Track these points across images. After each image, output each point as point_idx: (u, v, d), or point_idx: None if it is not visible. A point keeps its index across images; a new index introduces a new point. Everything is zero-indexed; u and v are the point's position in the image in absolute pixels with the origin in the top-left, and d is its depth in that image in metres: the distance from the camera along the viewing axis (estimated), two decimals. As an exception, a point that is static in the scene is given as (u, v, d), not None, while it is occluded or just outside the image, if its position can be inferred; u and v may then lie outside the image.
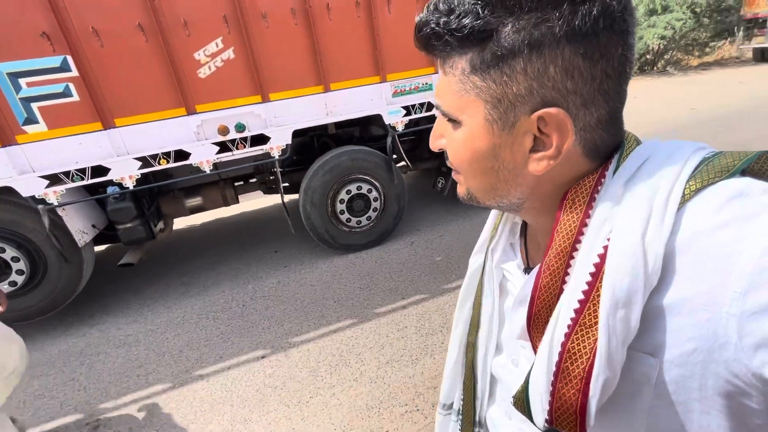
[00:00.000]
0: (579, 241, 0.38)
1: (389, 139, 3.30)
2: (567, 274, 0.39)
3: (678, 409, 0.35)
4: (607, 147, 0.39)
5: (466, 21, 0.34)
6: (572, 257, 0.38)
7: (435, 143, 0.47)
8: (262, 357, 2.44)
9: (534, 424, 0.42)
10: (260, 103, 2.83)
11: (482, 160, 0.41)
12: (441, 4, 0.36)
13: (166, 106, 2.64)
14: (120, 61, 2.48)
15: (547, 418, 0.39)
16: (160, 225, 3.39)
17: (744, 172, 0.35)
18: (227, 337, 2.67)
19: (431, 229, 3.82)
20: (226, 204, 3.70)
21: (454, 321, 0.64)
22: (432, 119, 3.42)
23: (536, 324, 0.42)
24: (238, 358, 2.45)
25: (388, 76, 3.13)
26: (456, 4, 0.35)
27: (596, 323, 0.35)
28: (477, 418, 0.63)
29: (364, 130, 3.88)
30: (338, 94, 3.03)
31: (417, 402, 1.98)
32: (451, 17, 0.35)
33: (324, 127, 3.36)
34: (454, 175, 0.47)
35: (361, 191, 3.38)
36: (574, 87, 0.35)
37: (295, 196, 4.00)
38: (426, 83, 3.29)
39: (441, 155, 3.16)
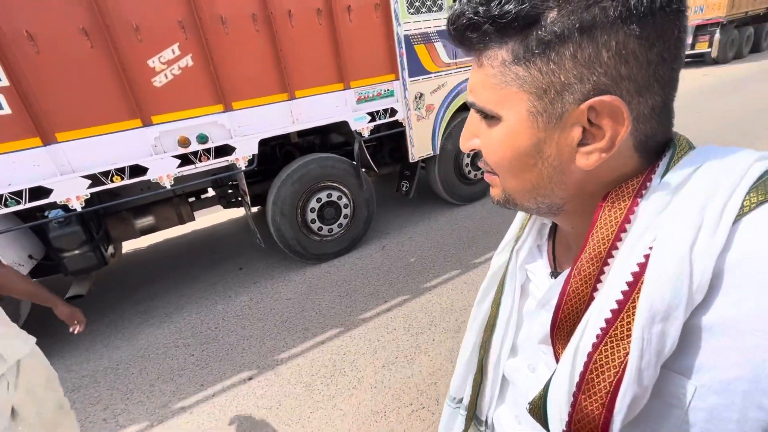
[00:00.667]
0: (616, 247, 0.35)
1: (356, 145, 3.32)
2: (599, 281, 0.36)
3: None
4: (657, 141, 0.37)
5: (509, 6, 0.32)
6: (607, 263, 0.36)
7: (467, 144, 0.43)
8: (249, 379, 2.30)
9: None
10: (223, 112, 2.70)
11: (524, 157, 0.38)
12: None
13: (117, 118, 2.41)
14: (61, 68, 2.21)
15: (565, 429, 0.37)
16: (111, 249, 3.05)
17: None
18: (204, 363, 2.48)
19: (400, 232, 3.89)
20: (182, 222, 3.44)
21: (471, 318, 0.62)
22: (392, 125, 3.50)
23: (561, 331, 0.39)
24: (221, 384, 2.28)
25: (352, 83, 3.15)
26: None
27: (629, 336, 0.32)
28: (483, 417, 0.62)
29: (325, 138, 3.86)
30: (304, 102, 2.99)
31: (421, 400, 2.00)
32: (492, 4, 0.33)
33: (287, 135, 3.29)
34: (487, 177, 0.44)
35: (332, 198, 3.34)
36: (629, 72, 0.32)
37: (256, 209, 3.84)
38: (388, 90, 3.36)
39: (402, 159, 3.27)
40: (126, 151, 2.47)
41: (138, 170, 2.52)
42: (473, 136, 0.43)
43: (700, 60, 10.68)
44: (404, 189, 4.03)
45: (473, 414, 0.63)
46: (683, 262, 0.30)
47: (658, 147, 0.37)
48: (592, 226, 0.37)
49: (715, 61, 10.20)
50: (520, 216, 0.56)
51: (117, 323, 3.02)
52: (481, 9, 0.34)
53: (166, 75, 2.48)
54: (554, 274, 0.48)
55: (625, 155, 0.36)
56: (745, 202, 0.31)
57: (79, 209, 2.41)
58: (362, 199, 3.53)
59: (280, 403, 2.09)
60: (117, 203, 2.83)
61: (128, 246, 4.29)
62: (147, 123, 2.49)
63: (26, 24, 2.09)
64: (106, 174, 2.43)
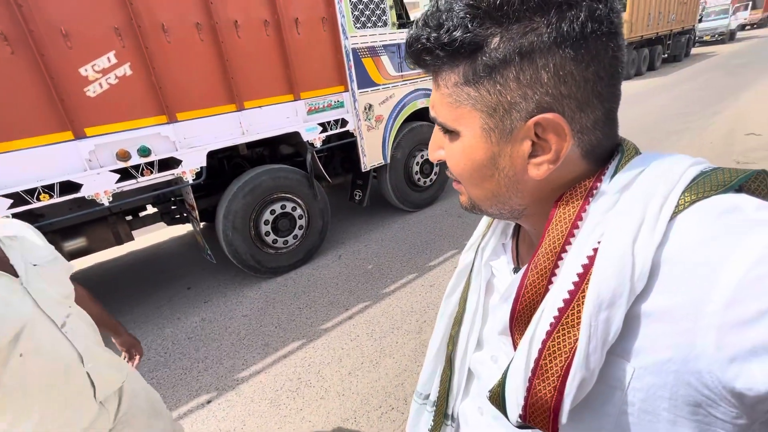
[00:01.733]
0: (569, 243, 0.38)
1: (308, 156, 3.32)
2: (554, 274, 0.39)
3: (646, 417, 0.35)
4: (604, 148, 0.40)
5: (456, 34, 0.35)
6: (561, 258, 0.39)
7: (434, 155, 0.47)
8: (208, 402, 2.18)
9: (508, 419, 0.42)
10: (167, 123, 2.57)
11: (482, 168, 0.41)
12: (430, 20, 0.37)
13: (44, 130, 2.19)
14: (-27, 76, 1.98)
15: (521, 413, 0.39)
16: (36, 277, 2.72)
17: (739, 190, 0.36)
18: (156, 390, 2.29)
19: (355, 241, 3.92)
20: (119, 242, 3.18)
21: (439, 313, 0.64)
22: (343, 136, 3.56)
23: (519, 321, 0.42)
24: (177, 411, 2.13)
25: (302, 94, 3.16)
26: (445, 18, 0.36)
27: (579, 323, 0.35)
28: (449, 411, 0.64)
29: (274, 150, 3.80)
30: (253, 113, 2.94)
31: (390, 401, 2.03)
32: (441, 32, 0.36)
33: (235, 148, 3.20)
34: (454, 185, 0.47)
35: (286, 210, 3.30)
36: (568, 91, 0.35)
37: (203, 225, 3.65)
38: (338, 101, 3.42)
39: (353, 169, 3.35)
40: (55, 167, 2.25)
41: (70, 187, 2.31)
42: (439, 148, 0.46)
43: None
44: (357, 198, 4.09)
45: (444, 411, 0.64)
46: (626, 254, 0.34)
47: (605, 153, 0.41)
48: (548, 224, 0.40)
49: None
50: (486, 217, 0.59)
51: (45, 359, 2.69)
52: (432, 36, 0.37)
53: (101, 84, 2.32)
54: (516, 269, 0.51)
55: (574, 163, 0.39)
56: (680, 201, 0.34)
57: (-2, 232, 2.14)
58: (316, 209, 3.52)
59: (245, 423, 2.01)
60: (41, 225, 2.55)
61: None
62: (80, 135, 2.29)
63: (-71, 26, 1.85)
64: (31, 192, 2.19)
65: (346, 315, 2.77)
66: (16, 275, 0.98)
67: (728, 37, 20.11)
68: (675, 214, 0.34)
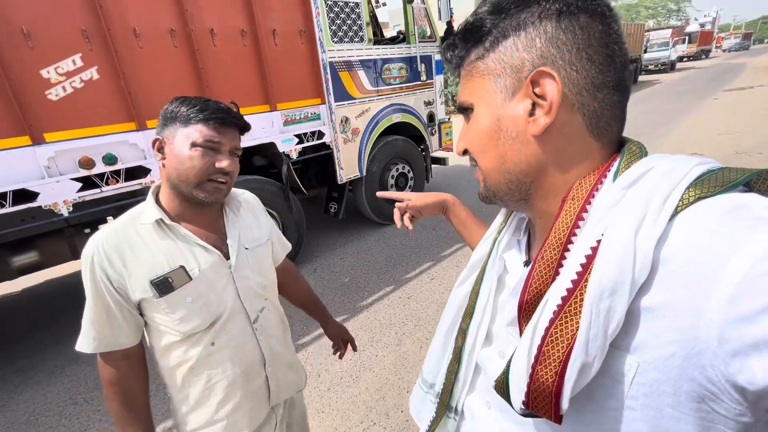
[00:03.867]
0: (574, 234, 0.40)
1: (284, 167, 3.26)
2: (561, 266, 0.40)
3: (650, 413, 0.36)
4: (610, 125, 0.42)
5: (469, 20, 0.45)
6: (567, 249, 0.40)
7: (458, 147, 0.51)
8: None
9: (511, 406, 0.43)
10: (136, 130, 2.45)
11: (490, 132, 0.45)
12: (461, 25, 0.46)
13: (-2, 134, 2.03)
14: None
15: (524, 399, 0.40)
16: (-21, 294, 2.47)
17: (749, 189, 0.36)
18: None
19: (331, 254, 3.86)
20: (75, 257, 2.95)
21: (448, 303, 0.66)
22: (319, 148, 3.55)
23: (526, 312, 0.43)
24: None
25: (279, 105, 3.14)
26: (468, 18, 0.45)
27: (581, 311, 0.36)
28: (453, 404, 0.64)
29: (248, 161, 3.72)
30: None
31: (371, 416, 1.99)
32: (461, 26, 0.46)
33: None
34: (477, 175, 0.50)
35: (260, 222, 3.21)
36: (559, 53, 0.40)
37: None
38: (314, 113, 3.41)
39: (328, 182, 3.34)
40: (8, 173, 2.08)
41: (25, 195, 2.14)
42: (461, 140, 0.50)
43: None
44: (333, 210, 4.05)
45: (447, 402, 0.64)
46: (628, 245, 0.35)
47: (612, 135, 0.43)
48: (556, 217, 0.42)
49: None
50: (503, 211, 0.61)
51: (-15, 387, 2.43)
52: (455, 32, 0.47)
53: (64, 87, 2.19)
54: (528, 263, 0.53)
55: (578, 132, 0.42)
56: (684, 196, 0.35)
57: (-63, 245, 1.94)
58: (292, 221, 3.45)
59: (218, 447, 1.88)
60: (-12, 237, 2.33)
61: (-5, 291, 3.51)
62: (38, 141, 2.14)
63: None
64: (-21, 201, 2.01)
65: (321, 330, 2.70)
66: (227, 256, 0.93)
67: (669, 66, 22.11)
68: (679, 209, 0.35)
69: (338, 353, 1.33)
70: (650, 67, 21.91)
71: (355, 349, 1.36)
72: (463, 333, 0.61)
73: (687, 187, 0.36)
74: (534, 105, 0.42)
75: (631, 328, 0.36)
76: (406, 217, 0.90)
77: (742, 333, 0.29)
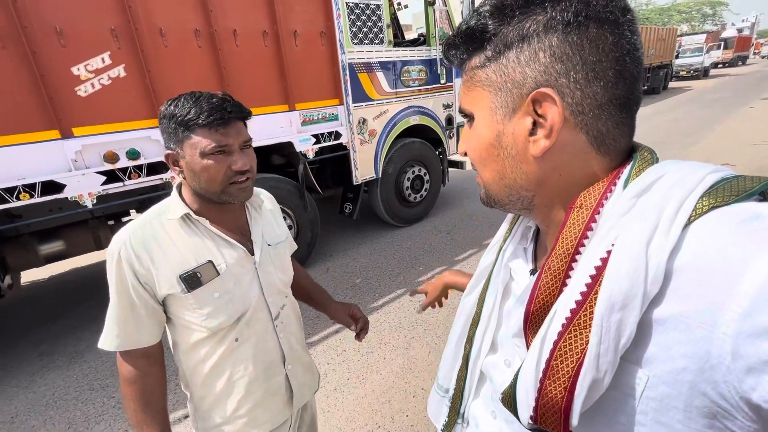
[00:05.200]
0: (583, 245, 0.38)
1: (301, 167, 3.30)
2: (568, 276, 0.39)
3: (660, 429, 0.35)
4: (617, 141, 0.40)
5: (471, 24, 0.42)
6: (575, 260, 0.39)
7: (460, 148, 0.51)
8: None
9: (519, 421, 0.42)
10: (158, 127, 2.52)
11: (489, 147, 0.44)
12: (462, 24, 0.44)
13: (30, 128, 2.13)
14: (-41, 69, 1.92)
15: (532, 414, 0.39)
16: (8, 280, 2.59)
17: (761, 197, 0.35)
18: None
19: (344, 254, 3.88)
20: (99, 247, 3.07)
21: (458, 311, 0.66)
22: (336, 148, 3.57)
23: (533, 323, 0.42)
24: (151, 426, 2.02)
25: (297, 105, 3.17)
26: (468, 18, 0.43)
27: (591, 324, 0.35)
28: (462, 410, 0.65)
29: (266, 160, 3.78)
30: (248, 121, 2.92)
31: (376, 419, 1.98)
32: (462, 27, 0.43)
33: (227, 155, 3.16)
34: (477, 179, 0.49)
35: (275, 220, 3.25)
36: (565, 69, 0.37)
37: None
38: (332, 113, 3.44)
39: (343, 182, 3.35)
40: (38, 166, 2.18)
41: (53, 187, 2.23)
42: (463, 142, 0.50)
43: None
44: (347, 211, 4.07)
45: (457, 408, 0.65)
46: (639, 257, 0.33)
47: (620, 149, 0.41)
48: (563, 226, 0.40)
49: None
50: (508, 218, 0.61)
51: (11, 368, 2.54)
52: (456, 33, 0.44)
53: (93, 84, 2.28)
54: (534, 271, 0.51)
55: (583, 149, 0.40)
56: (697, 206, 0.34)
57: (-29, 231, 2.04)
58: (306, 220, 3.48)
59: (224, 440, 1.91)
60: (17, 225, 2.45)
61: (25, 277, 3.67)
62: (67, 135, 2.24)
63: None
64: (11, 191, 2.11)
65: (332, 329, 2.71)
66: (251, 252, 0.93)
67: (702, 73, 21.28)
68: (692, 219, 0.34)
69: (358, 335, 1.21)
70: (682, 73, 21.13)
71: (365, 328, 1.21)
72: (470, 340, 0.61)
73: (701, 196, 0.34)
74: (535, 123, 0.40)
75: (641, 341, 0.35)
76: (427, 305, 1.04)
77: (758, 348, 0.28)
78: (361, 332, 1.20)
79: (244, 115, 0.87)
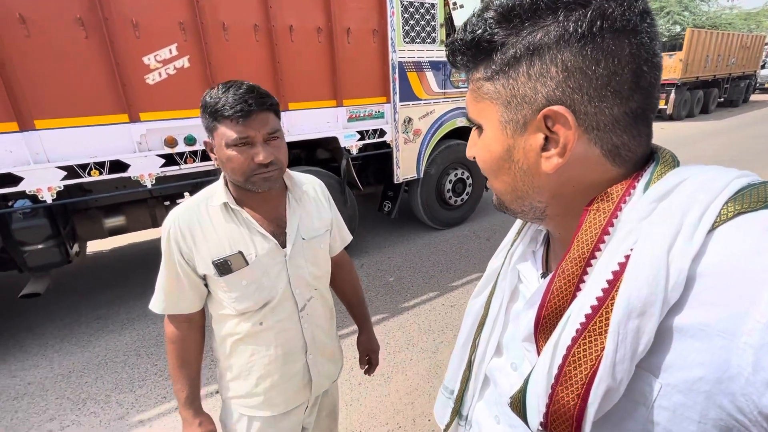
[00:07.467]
0: (599, 249, 0.37)
1: (344, 162, 3.35)
2: (582, 281, 0.38)
3: None
4: (633, 151, 0.38)
5: (477, 33, 0.39)
6: (590, 264, 0.37)
7: (469, 152, 0.49)
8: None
9: (528, 426, 0.41)
10: (215, 116, 2.67)
11: (499, 161, 0.42)
12: (466, 26, 0.41)
13: (104, 111, 2.33)
14: (48, 55, 2.14)
15: (543, 421, 0.38)
16: (76, 248, 2.87)
17: None
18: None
19: (379, 252, 3.90)
20: (155, 225, 3.30)
21: (465, 313, 0.66)
22: (379, 146, 3.59)
23: (544, 327, 0.41)
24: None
25: (345, 101, 3.23)
26: (475, 23, 0.40)
27: (606, 330, 0.33)
28: (464, 412, 0.64)
29: (311, 153, 3.88)
30: (296, 114, 3.02)
31: (397, 419, 1.97)
32: (467, 33, 0.40)
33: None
34: (488, 183, 0.48)
35: (315, 212, 3.33)
36: (578, 85, 0.35)
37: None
38: (378, 111, 3.46)
39: (384, 180, 3.33)
40: (108, 146, 2.39)
41: (119, 166, 2.43)
42: (471, 147, 0.48)
43: (659, 115, 11.76)
44: (386, 209, 4.08)
45: (458, 408, 0.65)
46: (660, 262, 0.32)
47: (637, 158, 0.39)
48: (578, 228, 0.39)
49: (671, 117, 11.34)
50: (517, 222, 0.59)
51: (72, 327, 2.81)
52: (461, 39, 0.41)
53: (160, 73, 2.45)
54: (545, 275, 0.50)
55: (596, 162, 0.38)
56: (722, 211, 0.32)
57: (49, 201, 2.28)
58: (345, 215, 3.52)
59: (250, 419, 1.99)
60: (88, 199, 2.70)
61: (90, 247, 4.05)
62: (134, 119, 2.43)
63: (19, 7, 2.03)
64: (84, 167, 2.33)
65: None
66: (283, 245, 0.98)
67: (792, 86, 19.02)
68: (716, 224, 0.32)
69: (364, 369, 1.32)
70: (766, 85, 19.04)
71: (372, 369, 1.33)
72: (474, 344, 0.61)
73: (726, 201, 0.33)
74: (547, 138, 0.38)
75: (656, 348, 0.33)
76: None
77: None
78: (368, 371, 1.33)
79: (267, 106, 0.87)
